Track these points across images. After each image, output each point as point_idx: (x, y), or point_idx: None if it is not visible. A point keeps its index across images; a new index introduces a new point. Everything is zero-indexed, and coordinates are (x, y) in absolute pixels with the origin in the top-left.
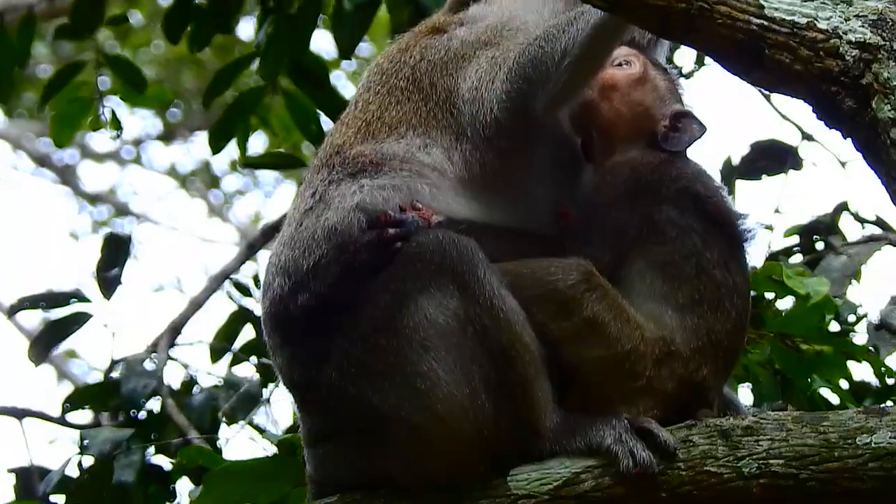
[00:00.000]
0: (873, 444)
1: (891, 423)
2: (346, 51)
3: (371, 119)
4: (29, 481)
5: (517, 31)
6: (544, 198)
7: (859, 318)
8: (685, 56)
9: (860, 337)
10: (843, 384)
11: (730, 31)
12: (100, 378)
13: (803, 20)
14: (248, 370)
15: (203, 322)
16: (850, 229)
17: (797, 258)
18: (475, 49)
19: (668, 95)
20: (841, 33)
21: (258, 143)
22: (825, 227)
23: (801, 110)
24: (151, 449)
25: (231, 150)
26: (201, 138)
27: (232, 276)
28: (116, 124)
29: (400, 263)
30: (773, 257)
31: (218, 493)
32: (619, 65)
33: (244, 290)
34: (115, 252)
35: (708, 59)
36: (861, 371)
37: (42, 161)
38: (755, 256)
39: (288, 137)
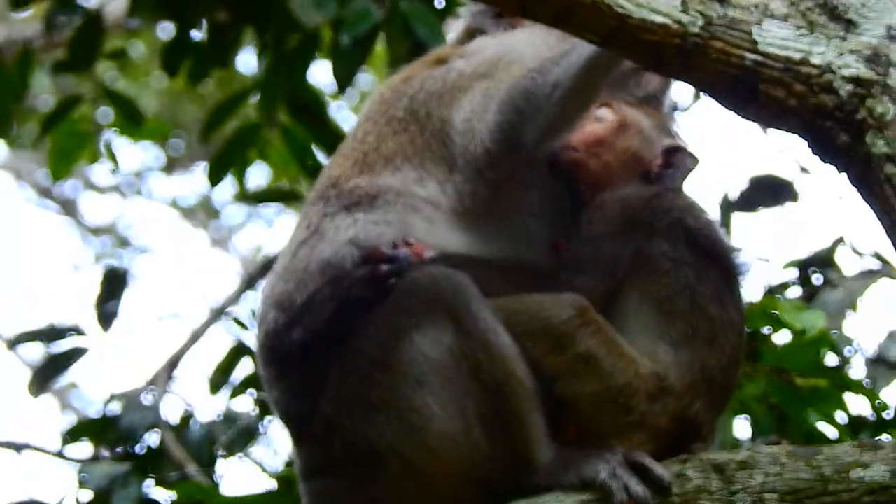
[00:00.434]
0: (867, 479)
1: (885, 457)
2: (344, 84)
3: (368, 150)
4: None
5: (512, 64)
6: (538, 230)
7: (856, 352)
8: (682, 90)
9: (857, 370)
10: (841, 417)
11: (724, 67)
12: (99, 411)
13: (797, 55)
14: (246, 403)
15: (202, 354)
16: (848, 262)
17: (795, 291)
18: (471, 81)
19: (655, 133)
20: (835, 68)
21: (261, 174)
22: (822, 260)
23: (798, 144)
24: (149, 482)
25: (233, 181)
26: (203, 170)
27: (231, 309)
28: (113, 159)
29: (394, 299)
30: (771, 291)
31: None
32: (597, 120)
33: (242, 325)
34: (114, 285)
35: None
36: (858, 404)
37: (44, 192)
38: (751, 290)
39: (287, 171)
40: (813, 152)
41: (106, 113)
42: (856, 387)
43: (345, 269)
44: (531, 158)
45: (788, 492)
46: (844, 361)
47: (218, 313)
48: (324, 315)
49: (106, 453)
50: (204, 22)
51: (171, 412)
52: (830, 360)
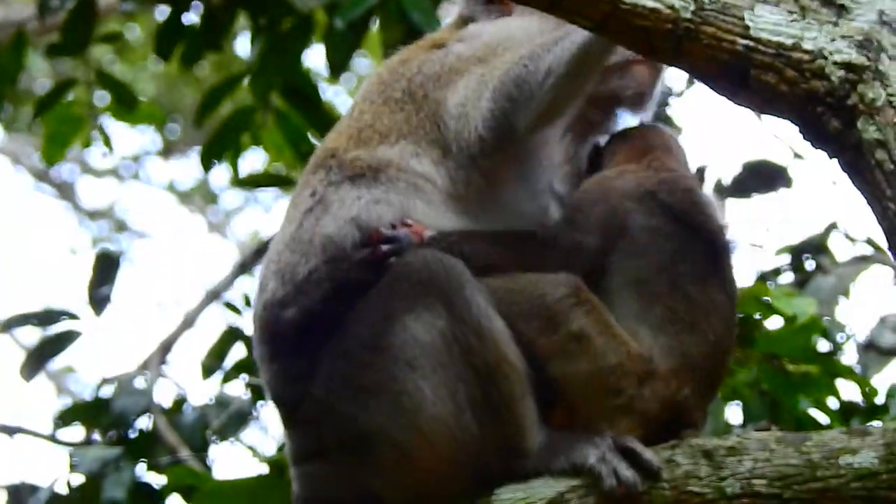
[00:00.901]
0: (856, 465)
1: (873, 443)
2: (337, 68)
3: (363, 126)
4: (19, 498)
5: (507, 51)
6: (531, 217)
7: (848, 338)
8: (675, 76)
9: (848, 356)
10: (832, 403)
11: (716, 52)
12: (91, 395)
13: (789, 41)
14: (238, 388)
15: (195, 339)
16: (841, 248)
17: (787, 277)
18: (469, 64)
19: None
20: (827, 54)
21: (258, 159)
22: (815, 246)
23: (791, 129)
24: (142, 467)
25: (229, 166)
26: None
27: (224, 295)
28: (107, 142)
29: (388, 282)
30: (763, 276)
31: None
32: None
33: (235, 310)
34: (107, 270)
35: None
36: (850, 390)
37: (41, 176)
38: (743, 276)
39: (281, 155)
40: (804, 138)
41: (102, 97)
42: (847, 373)
43: (345, 248)
44: (523, 146)
45: (777, 478)
46: (836, 347)
47: (211, 297)
48: (318, 295)
49: (98, 437)
50: (198, 5)
51: (163, 396)
52: (822, 346)
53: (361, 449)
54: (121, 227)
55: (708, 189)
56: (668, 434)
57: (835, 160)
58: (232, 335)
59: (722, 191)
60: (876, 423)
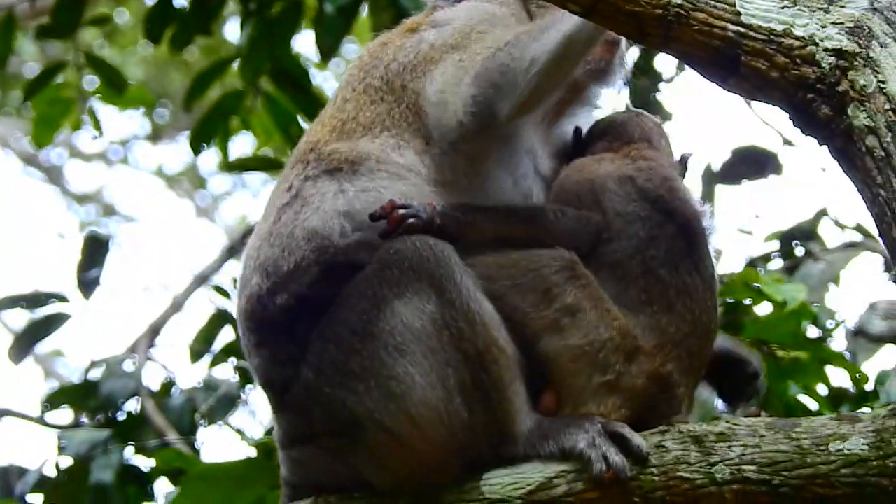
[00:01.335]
0: (846, 451)
1: (863, 430)
2: (327, 53)
3: (346, 119)
4: (7, 480)
5: (484, 35)
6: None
7: (837, 324)
8: (666, 62)
9: (838, 343)
10: (822, 389)
11: (706, 38)
12: (80, 377)
13: (780, 27)
14: (227, 372)
15: (183, 323)
16: (831, 235)
17: (777, 264)
18: (442, 52)
19: None
20: (817, 40)
21: (247, 143)
22: (805, 232)
23: (781, 116)
24: (130, 449)
25: (217, 151)
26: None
27: (212, 278)
28: (97, 125)
29: (377, 268)
30: (753, 263)
31: (194, 496)
32: None
33: (224, 293)
34: (95, 253)
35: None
36: (839, 376)
37: (29, 160)
38: (732, 262)
39: (270, 139)
40: (794, 124)
41: (92, 82)
42: (837, 359)
43: (332, 238)
44: (505, 131)
45: (767, 464)
46: (826, 334)
47: (200, 281)
48: (309, 280)
49: (86, 420)
50: None
51: (152, 379)
52: (812, 332)
53: (351, 434)
54: (109, 211)
55: (693, 175)
56: (654, 413)
57: (825, 147)
58: (220, 319)
59: (711, 177)
60: (865, 410)
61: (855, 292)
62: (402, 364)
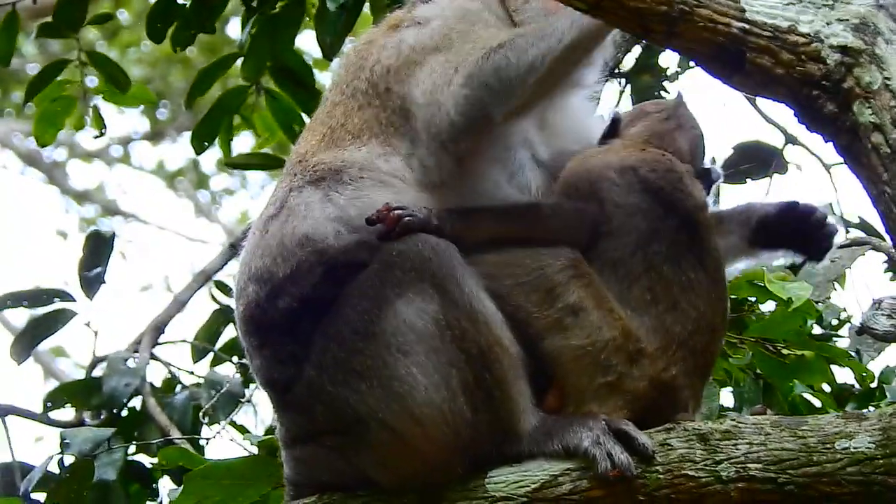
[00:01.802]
0: (852, 449)
1: (869, 427)
2: (329, 51)
3: (335, 126)
4: (11, 478)
5: (466, 33)
6: (512, 198)
7: (842, 322)
8: (669, 58)
9: (843, 341)
10: (826, 388)
11: (711, 35)
12: (82, 375)
13: (785, 24)
14: (229, 369)
15: (186, 321)
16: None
17: (781, 261)
18: (424, 55)
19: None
20: (823, 37)
21: (247, 142)
22: None
23: (785, 113)
24: (133, 447)
25: (218, 149)
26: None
27: (215, 276)
28: (100, 123)
29: (379, 268)
30: None
31: (197, 495)
32: None
33: (226, 290)
34: (98, 251)
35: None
36: (844, 374)
37: (30, 159)
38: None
39: (272, 138)
40: (799, 121)
41: (93, 81)
42: (842, 357)
43: (327, 240)
44: (497, 132)
45: (773, 462)
46: (832, 332)
47: (203, 279)
48: (311, 280)
49: (89, 419)
50: None
51: (154, 377)
52: (817, 330)
53: (354, 432)
54: (109, 209)
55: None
56: (656, 416)
57: (830, 144)
58: (223, 316)
59: None
60: (871, 408)
61: (860, 290)
62: (406, 364)
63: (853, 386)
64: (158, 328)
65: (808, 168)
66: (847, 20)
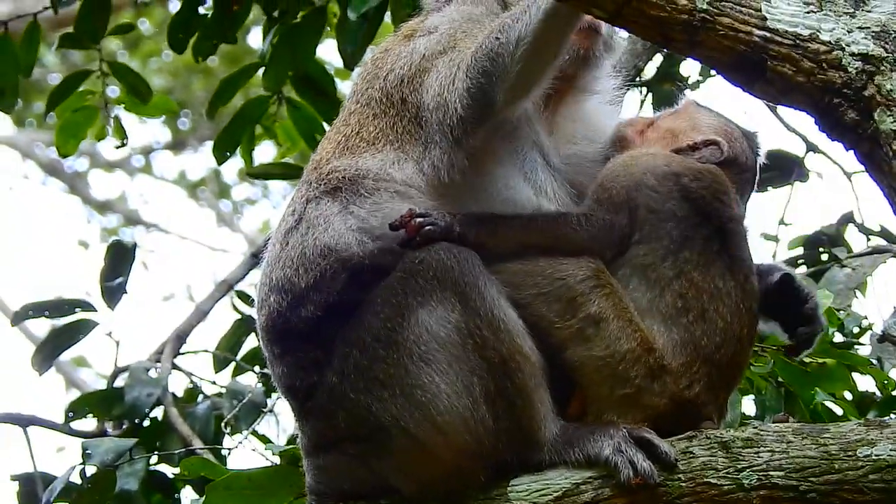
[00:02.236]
0: (874, 456)
1: (891, 435)
2: (350, 61)
3: (350, 133)
4: (32, 489)
5: (468, 33)
6: (521, 200)
7: (864, 330)
8: (691, 67)
9: (865, 349)
10: (848, 395)
11: (732, 43)
12: (103, 386)
13: (806, 32)
14: (251, 379)
15: (207, 331)
16: (856, 241)
17: (802, 270)
18: (433, 61)
19: (702, 124)
20: (844, 45)
21: (270, 151)
22: (830, 238)
23: (806, 121)
24: (155, 457)
25: (240, 159)
26: (210, 148)
27: (236, 286)
28: (121, 133)
29: (401, 277)
30: None
31: None
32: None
33: (248, 300)
34: (120, 261)
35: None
36: (866, 382)
37: (51, 170)
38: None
39: (294, 147)
40: (820, 129)
41: (115, 91)
42: (863, 365)
43: (349, 250)
44: (504, 122)
45: (795, 469)
46: (853, 339)
47: (225, 289)
48: (337, 286)
49: (111, 430)
50: None
51: (176, 387)
52: (838, 338)
53: (376, 441)
54: (131, 219)
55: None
56: (678, 431)
57: (851, 151)
58: (244, 326)
59: None
60: (893, 416)
61: (881, 298)
62: (428, 372)
63: (875, 394)
64: (180, 338)
65: (829, 176)
66: (868, 28)
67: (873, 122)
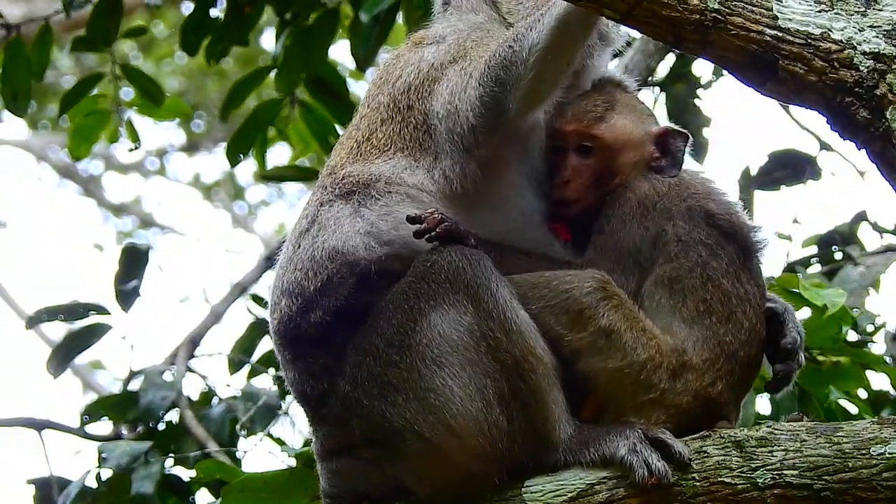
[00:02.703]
0: (887, 455)
1: None
2: (362, 63)
3: (362, 139)
4: (48, 492)
5: (479, 42)
6: (532, 210)
7: (878, 328)
8: (702, 67)
9: (879, 347)
10: (862, 394)
11: (744, 43)
12: (119, 388)
13: (817, 31)
14: (266, 382)
15: (222, 333)
16: (869, 239)
17: (815, 268)
18: (442, 70)
19: (641, 123)
20: (855, 44)
21: (283, 153)
22: (843, 237)
23: (818, 120)
24: (170, 460)
25: (254, 161)
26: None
27: (251, 289)
28: (134, 136)
29: (413, 280)
30: (791, 268)
31: None
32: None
33: (262, 303)
34: (134, 264)
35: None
36: (880, 380)
37: (66, 173)
38: (771, 267)
39: (307, 149)
40: (832, 128)
41: (128, 94)
42: (877, 363)
43: (357, 254)
44: (515, 131)
45: (808, 468)
46: (867, 338)
47: (239, 291)
48: (344, 291)
49: (126, 433)
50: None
51: (191, 390)
52: (852, 336)
53: (391, 445)
54: (146, 221)
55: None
56: (697, 430)
57: (863, 150)
58: (259, 328)
59: (749, 181)
60: None
61: (895, 296)
62: (441, 376)
63: (889, 392)
64: (194, 341)
65: (841, 174)
66: (879, 26)
67: (885, 121)
